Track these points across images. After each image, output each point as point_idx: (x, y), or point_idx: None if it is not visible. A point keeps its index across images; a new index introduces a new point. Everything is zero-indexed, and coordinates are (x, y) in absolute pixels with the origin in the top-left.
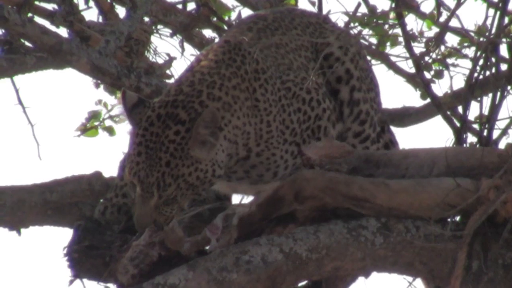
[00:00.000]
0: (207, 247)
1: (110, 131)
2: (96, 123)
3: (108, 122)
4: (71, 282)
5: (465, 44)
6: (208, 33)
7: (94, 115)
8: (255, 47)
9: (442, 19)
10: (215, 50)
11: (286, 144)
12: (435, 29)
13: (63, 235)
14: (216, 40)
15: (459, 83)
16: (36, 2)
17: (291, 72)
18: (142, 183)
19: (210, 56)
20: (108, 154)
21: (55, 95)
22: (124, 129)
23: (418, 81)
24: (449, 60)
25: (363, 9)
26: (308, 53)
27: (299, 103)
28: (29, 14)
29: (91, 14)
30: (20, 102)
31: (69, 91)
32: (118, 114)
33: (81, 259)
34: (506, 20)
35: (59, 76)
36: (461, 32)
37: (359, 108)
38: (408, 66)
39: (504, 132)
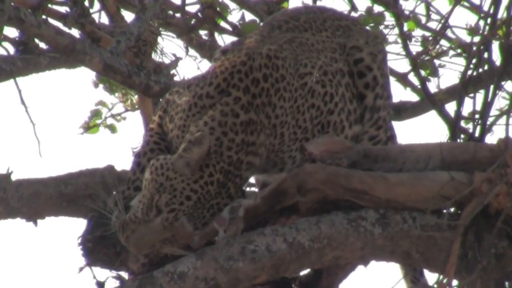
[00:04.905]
0: (215, 238)
1: (112, 128)
2: (98, 121)
3: (109, 120)
4: (80, 269)
5: (455, 50)
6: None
7: (96, 114)
8: (260, 49)
9: (429, 20)
10: (238, 67)
11: (296, 142)
12: (419, 31)
13: (78, 225)
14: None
15: (450, 80)
16: (49, 5)
17: (308, 63)
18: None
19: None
20: (111, 151)
21: (56, 95)
22: (125, 127)
23: (408, 81)
24: (444, 59)
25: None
26: (336, 54)
27: (314, 98)
28: (43, 16)
29: (95, 16)
30: (23, 102)
31: (69, 91)
32: (120, 112)
33: (94, 249)
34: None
35: (62, 77)
36: (448, 37)
37: (379, 114)
38: (408, 65)
39: (489, 128)
